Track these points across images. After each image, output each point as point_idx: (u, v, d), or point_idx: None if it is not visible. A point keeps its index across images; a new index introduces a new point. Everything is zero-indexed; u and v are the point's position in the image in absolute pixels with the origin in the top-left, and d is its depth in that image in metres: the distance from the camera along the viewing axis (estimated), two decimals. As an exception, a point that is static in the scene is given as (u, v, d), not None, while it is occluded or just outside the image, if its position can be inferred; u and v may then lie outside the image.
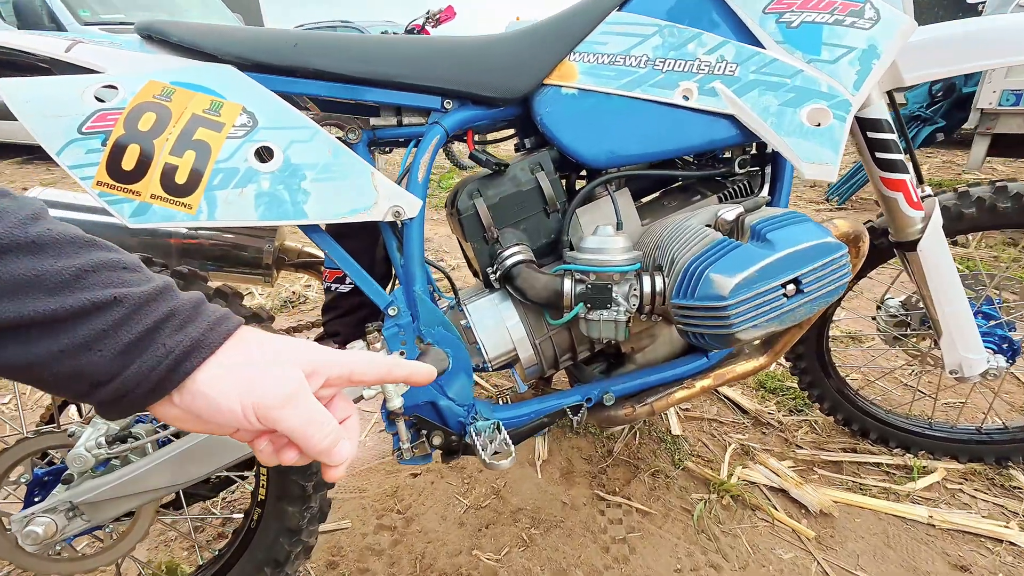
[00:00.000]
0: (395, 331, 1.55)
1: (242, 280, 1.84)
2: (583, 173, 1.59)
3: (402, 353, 1.57)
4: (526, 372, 1.76)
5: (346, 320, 1.64)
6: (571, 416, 1.70)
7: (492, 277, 1.67)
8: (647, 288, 1.33)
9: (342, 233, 1.56)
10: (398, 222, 1.44)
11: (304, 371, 0.52)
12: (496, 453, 1.52)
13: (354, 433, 0.56)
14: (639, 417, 1.73)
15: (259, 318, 1.34)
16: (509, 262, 1.58)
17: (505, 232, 1.49)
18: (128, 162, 1.00)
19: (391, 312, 1.55)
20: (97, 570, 1.51)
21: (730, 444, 2.20)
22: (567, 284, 1.40)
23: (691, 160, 1.72)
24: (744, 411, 2.39)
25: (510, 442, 1.55)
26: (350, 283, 1.76)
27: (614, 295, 1.38)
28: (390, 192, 1.25)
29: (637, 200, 1.66)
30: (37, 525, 1.33)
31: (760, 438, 2.21)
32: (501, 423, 1.48)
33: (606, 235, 1.49)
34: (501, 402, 1.64)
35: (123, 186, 1.01)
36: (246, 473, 1.66)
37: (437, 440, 1.61)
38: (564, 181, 1.57)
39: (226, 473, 1.69)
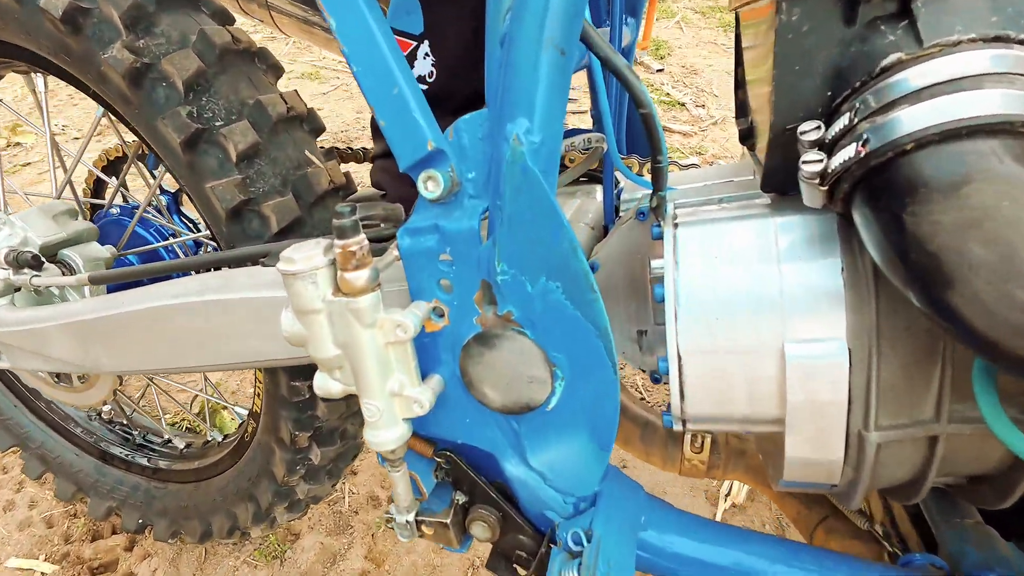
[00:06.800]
0: (432, 246, 0.36)
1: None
2: None
3: (438, 311, 0.41)
4: (786, 477, 0.45)
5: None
6: None
7: (814, 167, 0.31)
8: None
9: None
10: None
11: None
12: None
13: None
14: None
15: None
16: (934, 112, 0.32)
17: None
18: None
19: (428, 187, 0.35)
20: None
21: None
22: None
23: None
24: None
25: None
26: (430, 71, 0.57)
27: None
28: None
29: None
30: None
31: None
32: None
33: None
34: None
35: None
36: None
37: (481, 531, 0.49)
38: None
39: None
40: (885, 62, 0.36)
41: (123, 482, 1.14)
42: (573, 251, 0.39)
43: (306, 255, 0.41)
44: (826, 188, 0.38)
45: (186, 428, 1.43)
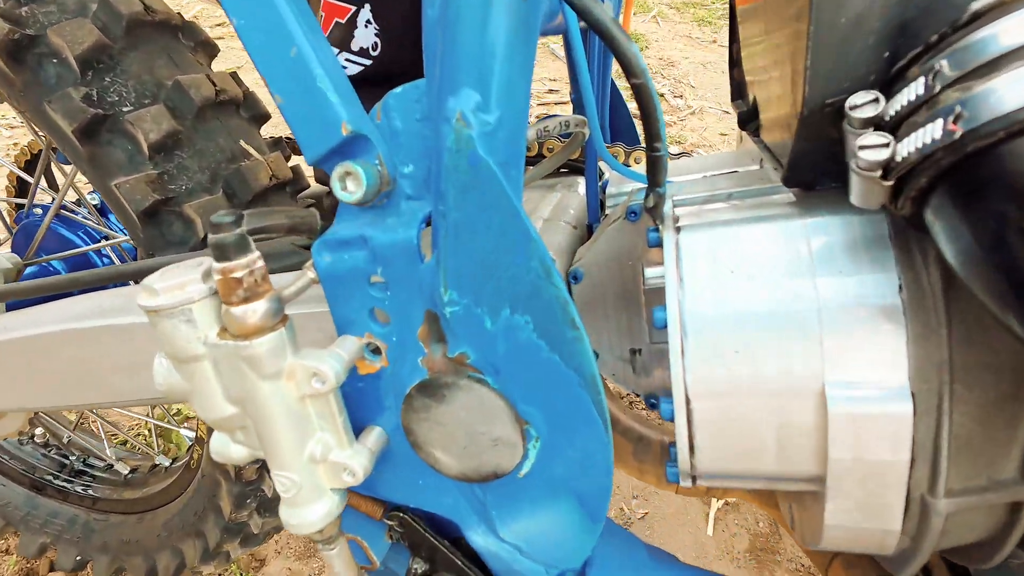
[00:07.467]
0: (359, 264, 0.23)
1: None
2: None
3: (372, 349, 0.28)
4: (824, 545, 0.33)
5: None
6: None
7: (876, 155, 0.18)
8: None
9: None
10: None
11: None
12: None
13: None
14: None
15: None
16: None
17: None
18: None
19: (347, 186, 0.22)
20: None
21: None
22: None
23: None
24: None
25: None
26: (374, 43, 0.42)
27: None
28: None
29: None
30: None
31: None
32: None
33: None
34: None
35: None
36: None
37: (444, 604, 0.37)
38: None
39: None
40: (977, 5, 0.26)
41: (58, 515, 1.01)
42: (546, 274, 0.28)
43: (175, 283, 0.29)
44: (891, 183, 0.28)
45: (140, 447, 1.30)
